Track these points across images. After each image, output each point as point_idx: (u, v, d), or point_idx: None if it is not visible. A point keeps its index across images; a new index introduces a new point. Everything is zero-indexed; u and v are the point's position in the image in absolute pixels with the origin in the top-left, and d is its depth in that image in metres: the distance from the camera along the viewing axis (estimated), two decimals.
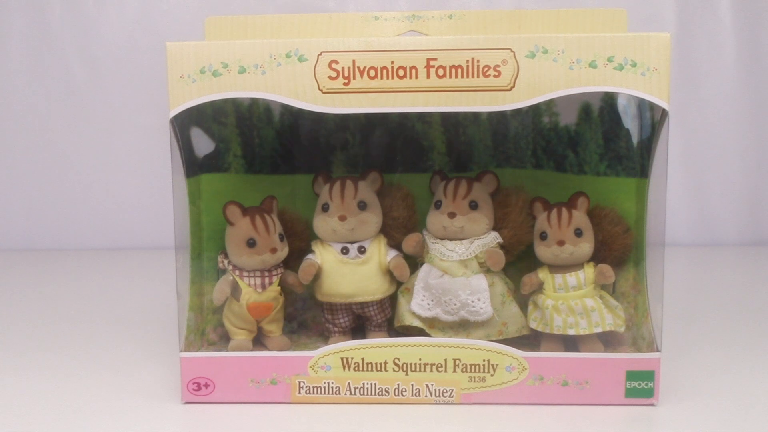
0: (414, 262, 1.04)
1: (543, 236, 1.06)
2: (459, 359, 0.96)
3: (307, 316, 1.13)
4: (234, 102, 1.05)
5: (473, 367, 0.96)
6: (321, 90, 0.89)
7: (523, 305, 1.03)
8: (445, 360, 0.96)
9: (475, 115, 1.09)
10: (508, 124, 1.10)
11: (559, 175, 1.08)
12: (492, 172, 1.05)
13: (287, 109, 1.06)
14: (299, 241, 1.07)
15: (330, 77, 0.89)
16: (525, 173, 1.10)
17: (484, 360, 0.96)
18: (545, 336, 1.04)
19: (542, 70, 0.89)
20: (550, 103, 1.09)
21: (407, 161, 1.11)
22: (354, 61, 0.89)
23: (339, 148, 1.11)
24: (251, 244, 1.05)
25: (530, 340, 1.01)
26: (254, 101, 1.06)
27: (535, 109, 1.08)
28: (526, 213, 1.03)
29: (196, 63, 0.89)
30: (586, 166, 1.08)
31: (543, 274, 1.01)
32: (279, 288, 1.03)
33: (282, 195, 1.07)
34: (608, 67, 0.91)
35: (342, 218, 1.06)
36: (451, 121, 1.10)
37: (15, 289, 1.60)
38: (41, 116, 2.03)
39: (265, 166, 1.09)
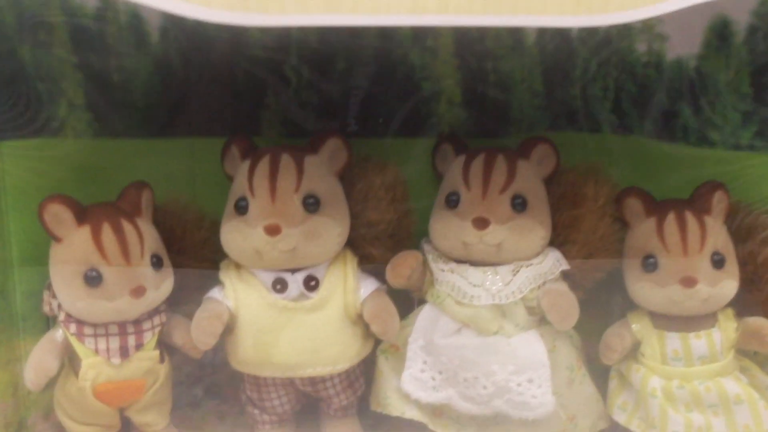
0: (405, 297, 0.65)
1: (650, 264, 0.59)
2: None
3: (221, 375, 0.71)
4: (66, 3, 0.63)
5: None
6: None
7: (596, 374, 0.65)
8: None
9: (515, 37, 0.67)
10: (573, 53, 0.68)
11: (663, 147, 0.69)
12: (547, 139, 0.64)
13: (174, 22, 0.64)
14: (196, 261, 0.65)
15: None
16: (600, 142, 0.69)
17: None
18: None
19: None
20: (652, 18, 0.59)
21: (394, 118, 0.69)
22: None
23: (270, 94, 0.69)
24: (93, 279, 0.55)
25: None
26: (107, 1, 0.64)
27: (621, 30, 0.67)
28: (611, 217, 0.63)
29: None
30: (714, 133, 0.67)
31: (640, 327, 0.62)
32: (156, 354, 0.62)
33: (166, 173, 0.66)
34: None
35: (272, 230, 0.57)
36: (471, 46, 0.68)
37: None
38: None
39: (134, 123, 0.67)
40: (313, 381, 0.63)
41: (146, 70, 0.65)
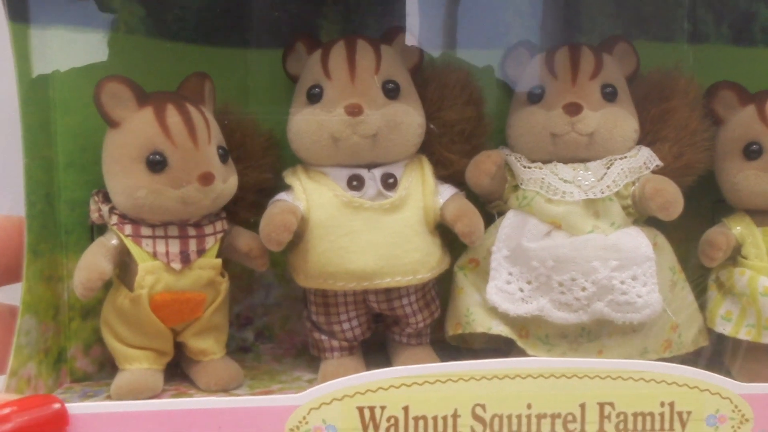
0: (481, 209, 0.59)
1: (753, 151, 0.56)
2: (611, 403, 0.49)
3: (274, 317, 0.67)
4: None
5: (641, 418, 0.49)
6: None
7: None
8: (583, 406, 0.49)
9: None
10: None
11: (740, 52, 0.65)
12: (626, 39, 0.61)
13: None
14: (256, 170, 0.59)
15: None
16: (675, 50, 0.65)
17: (662, 403, 0.49)
18: (747, 350, 0.57)
19: None
20: None
21: (459, 28, 0.64)
22: None
23: (329, 2, 0.64)
24: (157, 163, 0.50)
25: (690, 355, 0.59)
26: None
27: None
28: (701, 112, 0.59)
29: None
30: None
31: (741, 228, 0.57)
32: (219, 262, 0.55)
33: (219, 84, 0.60)
34: None
35: (353, 109, 0.52)
36: None
37: None
38: None
39: (188, 26, 0.61)
40: (388, 296, 0.57)
41: None
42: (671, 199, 0.53)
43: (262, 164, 0.59)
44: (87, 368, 0.58)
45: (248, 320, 0.66)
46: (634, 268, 0.53)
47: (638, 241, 0.54)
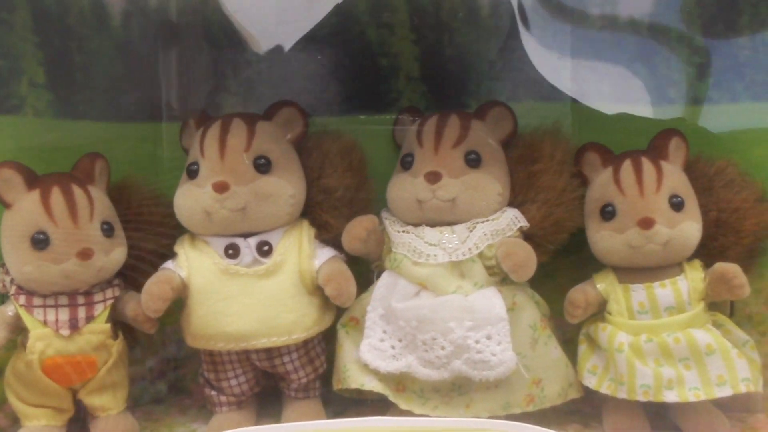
0: (365, 269, 0.63)
1: (608, 213, 0.58)
2: None
3: (186, 369, 0.72)
4: None
5: None
6: None
7: (568, 344, 0.62)
8: None
9: (471, 8, 0.68)
10: (528, 21, 0.68)
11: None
12: (503, 103, 0.64)
13: (136, 4, 0.64)
14: (154, 237, 0.64)
15: None
16: (560, 110, 0.68)
17: None
18: (614, 403, 0.59)
19: None
20: None
21: (353, 95, 0.70)
22: None
23: (231, 75, 0.70)
24: (40, 241, 0.55)
25: (578, 406, 0.62)
26: None
27: None
28: (570, 173, 0.62)
29: None
30: (672, 90, 0.66)
31: (605, 285, 0.60)
32: (108, 327, 0.60)
33: (130, 157, 0.66)
34: None
35: (219, 186, 0.56)
36: (427, 21, 0.68)
37: None
38: None
39: (97, 106, 0.66)
40: (269, 355, 0.60)
41: (107, 50, 0.66)
42: (520, 263, 0.56)
43: (160, 232, 0.63)
44: (1, 423, 0.63)
45: (161, 373, 0.70)
46: (488, 327, 0.56)
47: (493, 302, 0.56)
